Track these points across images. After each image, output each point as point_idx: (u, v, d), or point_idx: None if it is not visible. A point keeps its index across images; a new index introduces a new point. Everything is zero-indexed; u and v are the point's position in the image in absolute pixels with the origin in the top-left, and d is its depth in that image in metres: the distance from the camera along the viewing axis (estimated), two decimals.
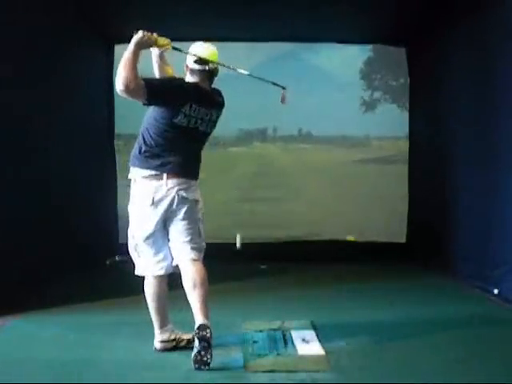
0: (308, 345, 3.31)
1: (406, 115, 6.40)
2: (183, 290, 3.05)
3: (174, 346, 3.19)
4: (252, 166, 6.58)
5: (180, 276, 3.10)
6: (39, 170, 4.60)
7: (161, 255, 3.16)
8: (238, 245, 3.65)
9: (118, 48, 6.17)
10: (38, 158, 4.59)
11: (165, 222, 3.12)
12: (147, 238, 3.15)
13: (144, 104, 3.05)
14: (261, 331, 3.54)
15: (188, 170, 3.11)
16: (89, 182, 5.58)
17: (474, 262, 4.88)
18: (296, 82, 6.25)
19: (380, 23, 5.68)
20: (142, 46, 3.17)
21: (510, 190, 4.34)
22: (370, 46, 6.43)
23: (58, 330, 3.65)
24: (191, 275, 3.03)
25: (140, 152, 3.12)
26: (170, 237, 3.14)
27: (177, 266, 3.13)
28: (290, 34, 5.98)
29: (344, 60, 6.36)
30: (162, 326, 3.19)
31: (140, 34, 3.17)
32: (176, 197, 3.05)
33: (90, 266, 5.46)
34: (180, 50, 3.17)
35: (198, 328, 2.89)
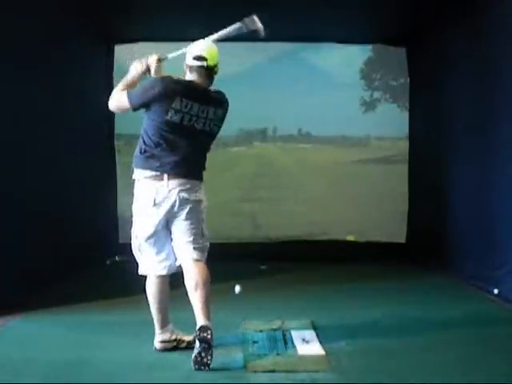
0: (308, 345, 3.31)
1: (406, 115, 6.40)
2: (185, 289, 3.05)
3: (175, 347, 3.19)
4: (252, 166, 6.58)
5: (182, 275, 3.10)
6: (39, 170, 4.60)
7: (163, 255, 3.16)
8: (236, 291, 3.64)
9: (117, 48, 6.18)
10: (37, 157, 4.59)
11: (167, 222, 3.12)
12: (149, 237, 3.16)
13: (134, 110, 3.14)
14: (261, 331, 3.55)
15: (189, 170, 3.09)
16: (89, 182, 5.58)
17: (474, 262, 4.88)
18: (296, 82, 6.27)
19: (380, 23, 5.69)
20: (139, 74, 3.35)
21: (510, 190, 4.34)
22: (370, 46, 6.43)
23: (58, 330, 3.66)
24: (193, 276, 3.03)
25: (141, 152, 3.12)
26: (173, 237, 3.14)
27: (180, 266, 3.13)
28: (290, 34, 5.98)
29: (344, 60, 6.36)
30: (163, 326, 3.19)
31: (136, 64, 3.37)
32: (177, 198, 3.05)
33: (90, 266, 5.46)
34: (166, 58, 3.26)
35: (199, 329, 2.89)
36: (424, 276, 5.39)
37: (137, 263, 3.32)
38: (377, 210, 6.26)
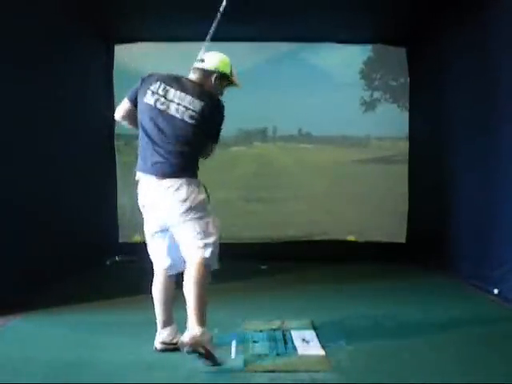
0: (308, 345, 3.31)
1: (406, 115, 6.40)
2: None
3: (175, 348, 3.18)
4: (252, 166, 6.57)
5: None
6: (39, 170, 4.60)
7: (164, 255, 3.18)
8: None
9: (117, 48, 6.18)
10: (37, 157, 4.59)
11: (165, 223, 3.11)
12: (150, 237, 3.19)
13: (130, 101, 3.19)
14: (261, 331, 3.54)
15: (172, 168, 3.03)
16: (89, 182, 5.58)
17: (474, 261, 4.88)
18: (296, 82, 6.27)
19: (380, 23, 5.69)
20: None
21: (510, 190, 4.34)
22: (370, 46, 6.42)
23: (58, 329, 3.66)
24: (186, 277, 3.01)
25: (138, 155, 3.15)
26: (175, 238, 3.13)
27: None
28: (290, 34, 5.98)
29: (344, 60, 6.36)
30: (164, 326, 3.19)
31: None
32: (165, 199, 3.03)
33: (90, 266, 5.46)
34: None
35: (180, 344, 2.88)
36: (424, 276, 5.39)
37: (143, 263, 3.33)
38: (377, 210, 6.26)
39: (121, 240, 6.24)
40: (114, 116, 3.23)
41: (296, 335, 3.47)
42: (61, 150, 5.01)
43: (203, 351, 2.85)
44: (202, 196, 3.08)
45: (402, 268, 5.71)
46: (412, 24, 5.71)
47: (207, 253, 3.03)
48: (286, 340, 3.39)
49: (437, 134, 5.74)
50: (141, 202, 3.14)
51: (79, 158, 5.38)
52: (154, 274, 3.22)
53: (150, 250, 3.23)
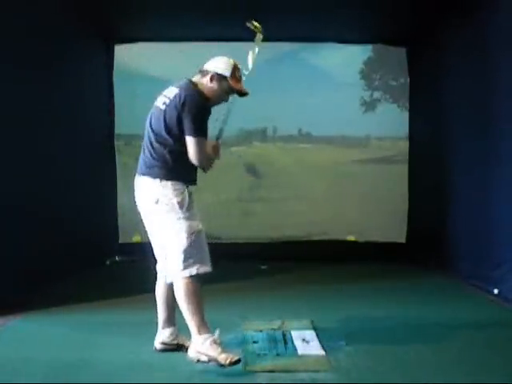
0: (308, 345, 3.31)
1: (406, 115, 6.40)
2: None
3: (175, 349, 3.18)
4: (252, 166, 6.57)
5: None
6: (39, 170, 4.60)
7: (157, 255, 3.17)
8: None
9: (117, 48, 6.18)
10: (37, 157, 4.59)
11: (146, 223, 3.10)
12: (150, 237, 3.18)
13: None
14: (261, 331, 3.54)
15: (147, 166, 3.01)
16: (89, 182, 5.58)
17: (474, 261, 4.88)
18: (296, 82, 6.27)
19: (380, 23, 5.69)
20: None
21: (510, 190, 4.34)
22: (370, 46, 6.42)
23: (58, 329, 3.66)
24: (175, 290, 2.99)
25: None
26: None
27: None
28: (290, 34, 5.98)
29: (344, 60, 6.36)
30: (164, 326, 3.18)
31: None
32: (140, 198, 3.05)
33: (90, 266, 5.46)
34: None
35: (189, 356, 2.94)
36: (424, 276, 5.39)
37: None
38: (377, 210, 6.26)
39: (121, 240, 6.24)
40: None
41: (296, 335, 3.46)
42: (61, 150, 5.01)
43: (206, 359, 2.88)
44: (176, 200, 2.93)
45: (402, 268, 5.72)
46: (412, 24, 5.71)
47: (184, 272, 2.92)
48: (286, 340, 3.39)
49: (437, 134, 5.74)
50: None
51: (79, 158, 5.38)
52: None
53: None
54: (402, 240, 6.31)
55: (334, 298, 4.53)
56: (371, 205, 6.26)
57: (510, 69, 4.31)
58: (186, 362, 2.95)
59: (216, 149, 3.12)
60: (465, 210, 5.17)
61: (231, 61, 3.13)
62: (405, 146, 6.40)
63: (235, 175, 6.45)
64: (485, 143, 4.73)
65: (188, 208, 2.96)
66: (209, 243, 3.09)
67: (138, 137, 5.82)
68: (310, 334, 3.48)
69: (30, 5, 4.38)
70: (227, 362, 2.85)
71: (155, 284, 3.20)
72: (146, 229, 3.12)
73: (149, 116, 3.08)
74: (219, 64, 3.10)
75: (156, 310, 3.21)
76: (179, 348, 3.16)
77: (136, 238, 6.05)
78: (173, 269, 2.96)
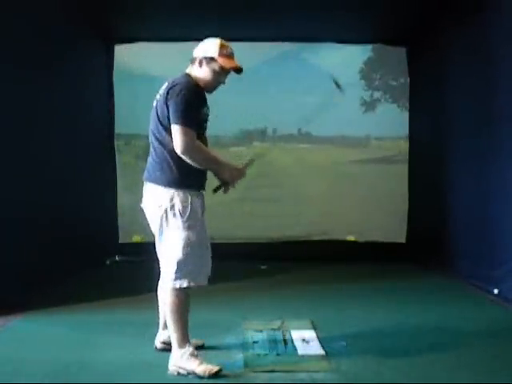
0: (308, 345, 3.31)
1: (406, 115, 6.39)
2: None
3: None
4: (252, 166, 6.56)
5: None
6: (39, 170, 4.60)
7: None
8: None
9: (118, 48, 6.18)
10: (37, 157, 4.59)
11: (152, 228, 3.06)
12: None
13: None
14: (261, 331, 3.55)
15: (150, 173, 2.94)
16: (89, 182, 5.58)
17: (474, 261, 4.88)
18: (296, 82, 6.27)
19: (380, 23, 5.69)
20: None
21: (510, 190, 4.35)
22: (370, 46, 6.42)
23: (58, 329, 3.66)
24: (164, 298, 2.98)
25: None
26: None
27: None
28: (290, 34, 5.98)
29: (344, 60, 6.35)
30: (165, 327, 3.17)
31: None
32: (147, 206, 2.99)
33: (90, 266, 5.46)
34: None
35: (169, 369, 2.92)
36: (424, 276, 5.40)
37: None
38: (377, 210, 6.26)
39: (121, 240, 6.24)
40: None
41: (296, 335, 3.47)
42: (61, 150, 5.01)
43: (185, 372, 2.87)
44: (177, 208, 2.85)
45: (402, 268, 5.72)
46: (412, 24, 5.71)
47: (175, 283, 2.89)
48: (286, 340, 3.39)
49: (437, 133, 5.74)
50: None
51: (79, 158, 5.38)
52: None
53: None
54: (402, 240, 6.31)
55: (334, 298, 4.53)
56: (371, 205, 6.26)
57: (510, 69, 4.31)
58: None
59: (237, 173, 3.00)
60: (465, 209, 5.17)
61: (216, 40, 2.98)
62: (405, 146, 6.40)
63: None
64: (485, 143, 4.73)
65: (190, 217, 2.87)
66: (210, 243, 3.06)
67: (137, 137, 5.81)
68: (310, 334, 3.48)
69: (30, 5, 4.38)
70: (206, 373, 2.84)
71: (157, 284, 3.20)
72: (153, 232, 3.07)
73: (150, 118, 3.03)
74: (204, 47, 2.97)
75: (156, 309, 3.22)
76: None
77: (136, 238, 6.05)
78: (165, 276, 2.93)
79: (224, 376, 2.85)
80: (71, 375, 2.89)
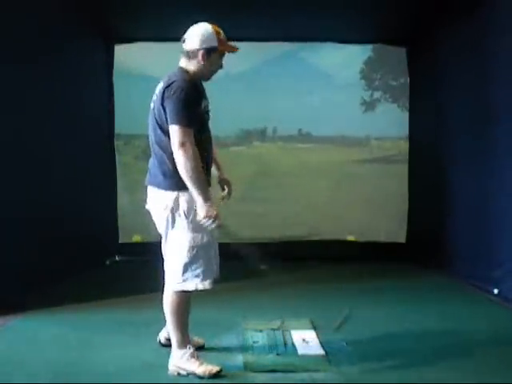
0: (308, 345, 3.31)
1: (406, 115, 6.39)
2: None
3: None
4: (252, 166, 6.57)
5: None
6: (39, 170, 4.60)
7: None
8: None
9: (117, 48, 6.18)
10: (37, 157, 4.59)
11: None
12: None
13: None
14: (261, 331, 3.55)
15: (153, 178, 2.91)
16: (89, 182, 5.58)
17: (474, 261, 4.88)
18: (296, 82, 6.27)
19: (380, 23, 5.69)
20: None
21: (510, 190, 4.34)
22: (370, 46, 6.42)
23: (58, 329, 3.66)
24: (164, 300, 2.97)
25: None
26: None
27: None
28: (290, 34, 5.98)
29: (344, 60, 6.36)
30: None
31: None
32: (152, 208, 2.97)
33: (90, 266, 5.46)
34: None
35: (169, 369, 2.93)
36: (424, 276, 5.39)
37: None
38: (377, 210, 6.26)
39: (121, 240, 6.24)
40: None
41: (296, 335, 3.47)
42: (60, 150, 5.00)
43: (185, 373, 2.88)
44: (181, 210, 2.83)
45: (402, 268, 5.71)
46: (412, 24, 5.71)
47: (181, 285, 2.88)
48: (286, 340, 3.39)
49: (437, 133, 5.73)
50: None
51: (79, 158, 5.37)
52: None
53: None
54: (402, 240, 6.31)
55: (334, 298, 4.53)
56: (371, 205, 6.26)
57: (510, 68, 4.31)
58: None
59: (211, 214, 2.78)
60: (465, 209, 5.17)
61: (208, 27, 2.92)
62: (405, 146, 6.39)
63: (235, 175, 6.44)
64: (485, 143, 4.72)
65: (190, 217, 2.83)
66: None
67: (137, 137, 5.81)
68: (310, 334, 3.48)
69: (30, 4, 4.38)
70: (206, 374, 2.84)
71: (159, 283, 3.20)
72: (160, 234, 3.04)
73: (149, 120, 2.98)
74: (202, 37, 2.88)
75: (158, 308, 3.21)
76: None
77: (136, 238, 6.05)
78: (169, 278, 2.91)
79: (224, 376, 2.85)
80: (71, 375, 2.89)
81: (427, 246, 5.83)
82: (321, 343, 3.33)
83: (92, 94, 5.80)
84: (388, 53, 6.40)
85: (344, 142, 6.52)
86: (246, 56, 5.98)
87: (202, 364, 2.88)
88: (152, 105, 2.93)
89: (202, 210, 2.76)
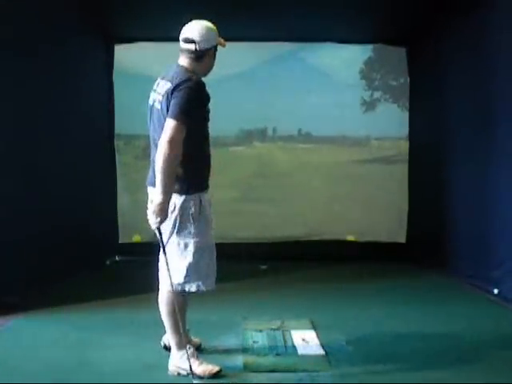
0: (308, 345, 3.32)
1: (406, 115, 6.39)
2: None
3: None
4: (252, 166, 6.57)
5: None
6: (39, 170, 4.60)
7: None
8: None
9: (117, 48, 6.18)
10: (37, 157, 4.59)
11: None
12: None
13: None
14: (261, 331, 3.55)
15: (153, 178, 2.84)
16: (89, 182, 5.57)
17: (474, 261, 4.88)
18: (296, 82, 6.26)
19: (380, 23, 5.68)
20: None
21: (510, 190, 4.35)
22: (370, 46, 6.41)
23: (58, 329, 3.66)
24: (159, 302, 2.98)
25: None
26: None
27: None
28: (290, 34, 5.98)
29: (344, 60, 6.35)
30: None
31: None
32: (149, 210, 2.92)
33: (90, 266, 5.46)
34: None
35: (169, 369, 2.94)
36: (424, 276, 5.39)
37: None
38: (377, 210, 6.26)
39: (121, 240, 6.24)
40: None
41: (296, 335, 3.47)
42: (60, 150, 5.00)
43: (185, 373, 2.87)
44: (183, 213, 2.83)
45: (402, 268, 5.71)
46: (412, 24, 5.71)
47: (182, 286, 2.89)
48: (286, 340, 3.39)
49: (437, 134, 5.73)
50: None
51: (79, 158, 5.37)
52: None
53: None
54: (402, 240, 6.31)
55: (334, 298, 4.53)
56: (371, 205, 6.26)
57: (510, 68, 4.31)
58: None
59: (159, 214, 2.72)
60: (465, 209, 5.17)
61: (210, 25, 2.98)
62: (405, 146, 6.39)
63: (235, 175, 6.45)
64: (485, 143, 4.72)
65: (201, 222, 2.86)
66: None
67: (137, 137, 5.81)
68: (310, 334, 3.49)
69: (30, 4, 4.38)
70: (206, 374, 2.84)
71: (155, 284, 3.20)
72: None
73: (148, 119, 2.95)
74: (211, 36, 2.93)
75: (155, 309, 3.21)
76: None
77: (136, 238, 6.05)
78: (168, 278, 2.87)
79: (224, 376, 2.85)
80: (71, 375, 2.89)
81: (427, 246, 5.83)
82: (321, 343, 3.33)
83: (92, 94, 5.80)
84: (388, 53, 6.40)
85: (344, 142, 6.51)
86: (245, 56, 6.00)
87: (201, 364, 2.89)
88: (151, 103, 2.92)
89: (157, 206, 2.71)
